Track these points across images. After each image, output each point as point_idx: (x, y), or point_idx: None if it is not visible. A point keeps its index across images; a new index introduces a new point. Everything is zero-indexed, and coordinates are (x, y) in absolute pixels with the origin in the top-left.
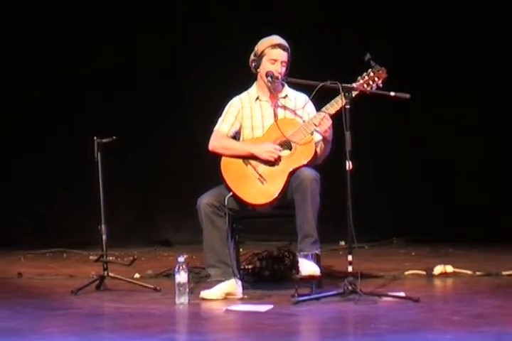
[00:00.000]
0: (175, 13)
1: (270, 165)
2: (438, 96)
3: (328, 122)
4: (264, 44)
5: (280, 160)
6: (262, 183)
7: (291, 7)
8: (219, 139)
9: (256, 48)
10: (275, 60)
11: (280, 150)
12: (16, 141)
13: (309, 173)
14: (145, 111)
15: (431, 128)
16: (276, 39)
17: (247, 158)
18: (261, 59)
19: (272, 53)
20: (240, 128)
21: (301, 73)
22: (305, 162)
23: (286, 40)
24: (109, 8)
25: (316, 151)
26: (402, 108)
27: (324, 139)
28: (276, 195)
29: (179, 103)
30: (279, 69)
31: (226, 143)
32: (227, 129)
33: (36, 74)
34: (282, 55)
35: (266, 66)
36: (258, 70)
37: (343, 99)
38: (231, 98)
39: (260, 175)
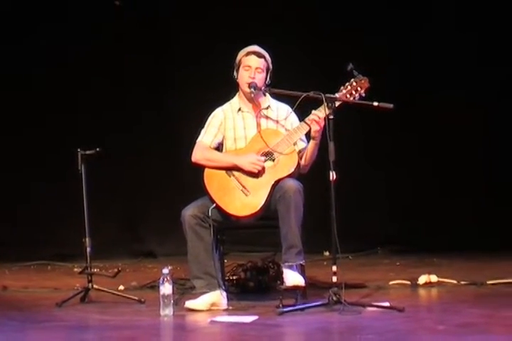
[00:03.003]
0: (161, 23)
1: (253, 177)
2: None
3: (321, 122)
4: (240, 54)
5: (264, 171)
6: (246, 195)
7: (277, 17)
8: (202, 151)
9: (236, 59)
10: (249, 67)
11: (264, 162)
12: (3, 151)
13: (292, 184)
14: (129, 124)
15: (416, 137)
16: (251, 47)
17: (231, 169)
18: (239, 69)
19: (246, 60)
20: (222, 140)
21: (287, 83)
22: (288, 173)
23: (271, 48)
24: (100, 17)
25: (298, 162)
26: (384, 117)
27: (314, 140)
28: (259, 207)
29: (164, 115)
30: (252, 74)
31: (209, 155)
32: (209, 141)
33: (27, 78)
34: (256, 61)
35: (242, 74)
36: (237, 80)
37: (326, 109)
38: (216, 107)
39: (244, 186)
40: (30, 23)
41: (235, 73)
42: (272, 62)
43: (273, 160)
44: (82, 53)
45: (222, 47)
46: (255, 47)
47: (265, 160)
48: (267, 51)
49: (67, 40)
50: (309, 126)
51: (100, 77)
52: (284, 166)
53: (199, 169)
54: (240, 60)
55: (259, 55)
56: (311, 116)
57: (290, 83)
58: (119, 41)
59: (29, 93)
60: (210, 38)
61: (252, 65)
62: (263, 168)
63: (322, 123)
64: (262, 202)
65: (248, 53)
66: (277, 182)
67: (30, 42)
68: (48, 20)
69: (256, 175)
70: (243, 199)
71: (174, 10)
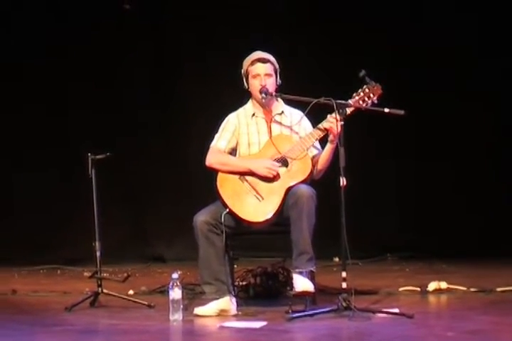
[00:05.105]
0: (165, 22)
1: (267, 182)
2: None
3: (339, 127)
4: (245, 64)
5: (278, 176)
6: (259, 200)
7: (288, 21)
8: (216, 155)
9: (242, 70)
10: (258, 75)
11: (279, 167)
12: (9, 155)
13: (305, 190)
14: (138, 126)
15: (423, 142)
16: (254, 55)
17: (245, 174)
18: (247, 78)
19: (253, 69)
20: (236, 145)
21: (296, 89)
22: (302, 178)
23: (280, 54)
24: (107, 17)
25: (312, 167)
26: (395, 122)
27: (332, 144)
28: (272, 213)
29: (173, 118)
30: (262, 82)
31: (223, 159)
32: (224, 145)
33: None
34: (262, 68)
35: (252, 83)
36: (249, 89)
37: (337, 115)
38: (225, 112)
39: (257, 191)
40: (31, 22)
41: (245, 83)
42: (278, 62)
43: (286, 166)
44: (83, 52)
45: (229, 52)
46: (258, 54)
47: (279, 166)
48: (273, 56)
49: (68, 38)
50: (325, 131)
51: (106, 78)
52: (298, 172)
53: (208, 173)
54: (246, 70)
55: (264, 61)
56: (328, 122)
57: (298, 89)
58: (121, 41)
59: (30, 94)
60: (215, 41)
61: (260, 72)
62: (277, 174)
63: (339, 127)
64: (275, 209)
65: (253, 62)
66: (291, 187)
67: (30, 44)
68: (48, 20)
69: (270, 180)
70: (256, 205)
71: (178, 9)
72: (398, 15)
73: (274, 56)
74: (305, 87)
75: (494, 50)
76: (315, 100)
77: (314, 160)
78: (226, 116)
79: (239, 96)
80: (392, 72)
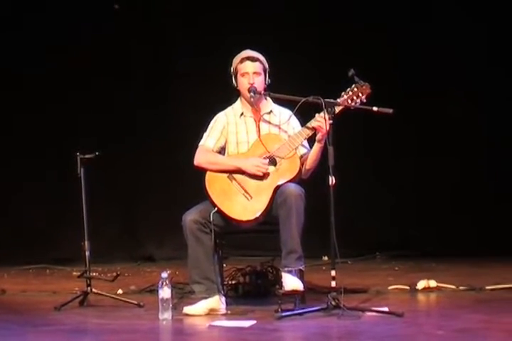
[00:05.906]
0: (160, 25)
1: (256, 181)
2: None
3: (328, 126)
4: (234, 62)
5: (267, 175)
6: (247, 199)
7: (278, 21)
8: (205, 154)
9: (231, 68)
10: (246, 73)
11: (267, 165)
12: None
13: (294, 189)
14: (130, 127)
15: (414, 140)
16: (244, 53)
17: (233, 172)
18: (236, 76)
19: (242, 68)
20: (225, 144)
21: (288, 88)
22: (290, 177)
23: (270, 53)
24: (105, 20)
25: (300, 166)
26: (384, 120)
27: (319, 143)
28: (261, 212)
29: (163, 118)
30: (251, 80)
31: (212, 158)
32: (212, 144)
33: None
34: (251, 67)
35: (241, 81)
36: (238, 88)
37: (326, 114)
38: (215, 111)
39: (245, 190)
40: (29, 22)
41: (233, 81)
42: (267, 61)
43: (275, 165)
44: (81, 53)
45: (222, 52)
46: (248, 52)
47: (269, 164)
48: (265, 55)
49: (65, 39)
50: (313, 130)
51: (100, 79)
52: (287, 171)
53: (198, 173)
54: (235, 68)
55: (254, 59)
56: (315, 121)
57: (290, 88)
58: (116, 42)
59: (26, 93)
60: (209, 43)
61: (249, 70)
62: (266, 172)
63: (327, 126)
64: (263, 207)
65: (242, 60)
66: (279, 186)
67: (28, 45)
68: (47, 21)
69: (259, 178)
70: (245, 204)
71: (172, 10)
72: (395, 14)
73: (264, 55)
74: (295, 86)
75: (495, 50)
76: (303, 99)
77: (303, 159)
78: None
79: (232, 96)
80: (390, 71)
